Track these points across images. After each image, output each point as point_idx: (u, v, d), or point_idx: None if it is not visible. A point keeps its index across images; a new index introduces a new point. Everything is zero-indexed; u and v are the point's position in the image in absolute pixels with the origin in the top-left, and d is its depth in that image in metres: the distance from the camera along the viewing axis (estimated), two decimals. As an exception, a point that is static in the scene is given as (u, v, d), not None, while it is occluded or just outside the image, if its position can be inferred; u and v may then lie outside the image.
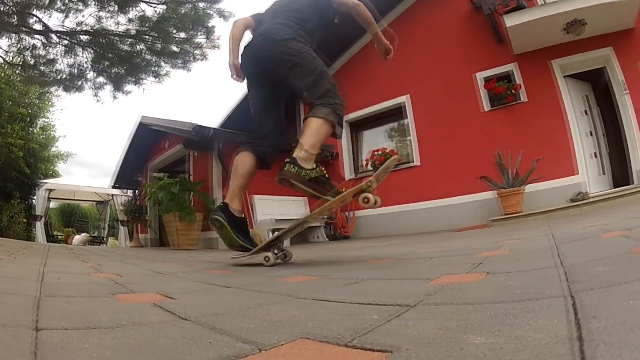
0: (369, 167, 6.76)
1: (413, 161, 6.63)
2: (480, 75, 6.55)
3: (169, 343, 0.65)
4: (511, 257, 1.55)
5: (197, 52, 7.22)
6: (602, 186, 6.57)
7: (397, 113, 6.77)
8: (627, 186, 6.43)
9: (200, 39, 7.24)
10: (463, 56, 6.67)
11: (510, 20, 5.98)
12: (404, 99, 6.77)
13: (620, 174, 6.89)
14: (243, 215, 2.28)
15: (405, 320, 0.72)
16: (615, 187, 6.76)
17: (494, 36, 6.49)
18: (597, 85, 7.11)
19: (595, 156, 6.61)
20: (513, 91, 6.38)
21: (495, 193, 5.96)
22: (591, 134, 6.66)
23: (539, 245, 1.85)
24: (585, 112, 6.74)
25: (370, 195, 2.04)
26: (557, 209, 5.64)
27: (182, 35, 7.24)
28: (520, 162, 5.91)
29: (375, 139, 7.03)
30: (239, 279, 1.64)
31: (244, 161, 2.26)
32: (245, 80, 2.38)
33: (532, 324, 0.59)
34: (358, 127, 7.11)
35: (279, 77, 2.20)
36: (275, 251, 2.16)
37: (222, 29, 8.40)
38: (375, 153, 6.70)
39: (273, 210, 6.46)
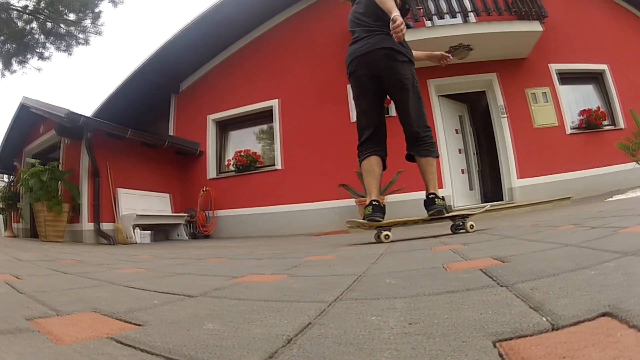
0: (231, 168, 6.66)
1: (276, 165, 6.55)
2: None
3: (4, 306, 0.94)
4: (329, 263, 1.58)
5: (81, 36, 7.12)
6: (470, 200, 6.74)
7: (266, 116, 6.73)
8: (498, 202, 6.67)
9: (87, 22, 7.17)
10: (340, 66, 6.75)
11: None
12: (274, 102, 6.75)
13: (493, 191, 7.14)
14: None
15: (174, 306, 0.86)
16: (485, 202, 6.99)
17: (373, 50, 6.69)
18: (477, 107, 7.45)
19: (464, 172, 6.83)
20: (385, 105, 6.50)
21: (355, 200, 6.01)
22: (461, 152, 6.90)
23: (368, 253, 1.85)
24: (457, 130, 7.00)
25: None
26: (419, 219, 5.71)
27: (72, 17, 7.15)
28: (384, 173, 6.00)
29: (243, 140, 6.94)
30: (81, 269, 1.89)
31: (376, 162, 2.58)
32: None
33: (264, 321, 0.66)
34: (226, 126, 7.00)
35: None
36: (387, 234, 2.41)
37: (108, 15, 8.39)
38: (239, 154, 6.60)
39: (136, 204, 6.23)
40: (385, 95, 2.62)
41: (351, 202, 5.99)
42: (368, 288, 0.92)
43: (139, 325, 0.68)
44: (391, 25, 2.23)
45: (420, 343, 0.49)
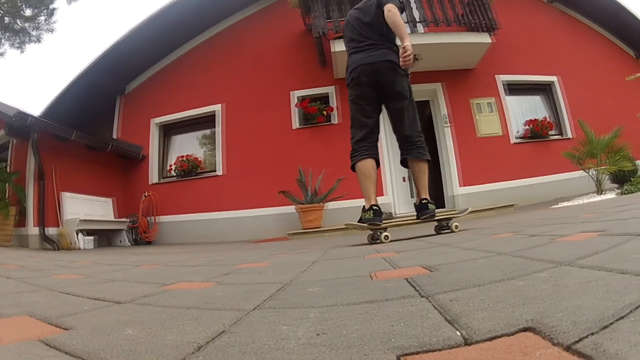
0: (173, 173, 6.59)
1: (217, 170, 6.49)
2: (297, 94, 6.61)
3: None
4: (260, 271, 1.59)
5: (34, 32, 7.06)
6: (411, 208, 6.73)
7: (209, 121, 6.67)
8: (440, 209, 6.73)
9: (41, 19, 7.09)
10: (285, 73, 6.76)
11: (338, 46, 6.12)
12: (218, 107, 6.69)
13: (435, 198, 7.17)
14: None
15: (101, 312, 0.89)
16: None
17: (319, 58, 6.69)
18: (421, 116, 7.49)
19: (405, 180, 6.87)
20: (325, 112, 6.48)
21: (295, 207, 6.02)
22: None
23: (300, 261, 1.86)
24: None
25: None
26: (358, 227, 5.75)
27: (29, 12, 7.08)
28: (324, 180, 6.01)
29: (186, 145, 6.86)
30: (23, 274, 1.98)
31: (372, 166, 2.64)
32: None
33: (180, 329, 0.68)
34: (170, 130, 6.92)
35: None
36: (387, 234, 2.52)
37: (63, 13, 8.33)
38: (181, 159, 6.54)
39: (80, 209, 6.14)
40: (382, 102, 2.74)
41: (291, 209, 5.99)
42: (289, 297, 0.93)
43: (66, 329, 0.73)
44: (401, 53, 2.51)
45: (321, 354, 0.49)
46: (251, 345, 0.55)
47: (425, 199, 2.69)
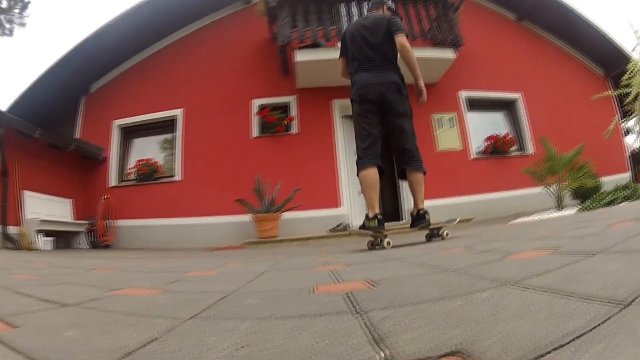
0: (132, 177, 6.56)
1: (176, 176, 6.46)
2: (257, 102, 6.62)
3: None
4: (208, 279, 1.62)
5: (7, 25, 6.97)
6: None
7: (170, 125, 6.63)
8: (397, 222, 6.84)
9: (16, 11, 7.00)
10: (247, 81, 6.75)
11: (301, 56, 6.14)
12: (178, 112, 6.65)
13: (392, 211, 7.30)
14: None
15: (49, 313, 0.94)
16: (385, 221, 7.15)
17: (282, 68, 6.70)
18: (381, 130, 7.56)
19: (360, 194, 6.95)
20: (285, 122, 6.50)
21: (251, 217, 6.06)
22: None
23: (250, 271, 1.88)
24: None
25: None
26: (315, 237, 5.75)
27: (5, 3, 6.97)
28: (281, 190, 6.05)
29: (146, 149, 6.81)
30: None
31: (375, 175, 2.79)
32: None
33: (117, 334, 0.71)
34: (130, 133, 6.87)
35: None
36: (389, 240, 2.73)
37: (36, 5, 8.22)
38: (140, 163, 6.49)
39: (40, 208, 6.10)
40: (384, 117, 2.95)
41: (247, 217, 6.01)
42: (227, 307, 0.94)
43: (15, 327, 0.78)
44: (418, 94, 2.97)
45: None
46: (177, 354, 0.57)
47: (422, 209, 2.92)
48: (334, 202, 6.43)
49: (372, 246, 2.78)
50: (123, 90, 7.00)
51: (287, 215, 6.05)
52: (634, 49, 7.11)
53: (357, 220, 6.62)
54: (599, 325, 0.52)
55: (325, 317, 0.75)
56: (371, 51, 2.91)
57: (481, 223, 5.75)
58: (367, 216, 2.77)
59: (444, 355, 0.47)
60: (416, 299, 0.82)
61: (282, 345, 0.58)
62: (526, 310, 0.64)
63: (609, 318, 0.55)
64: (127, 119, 6.76)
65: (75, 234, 6.38)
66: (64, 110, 7.08)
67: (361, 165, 2.84)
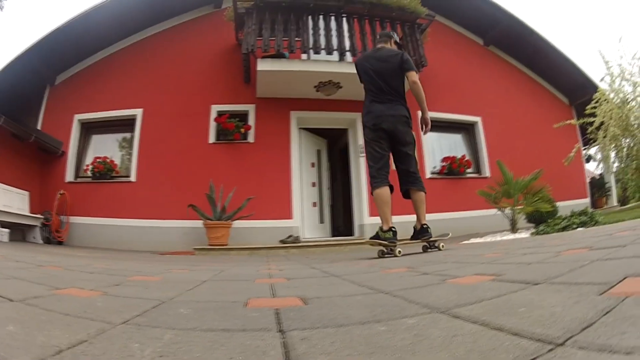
0: (88, 174, 6.62)
1: (131, 176, 6.52)
2: (217, 108, 6.67)
3: None
4: (149, 285, 1.62)
5: None
6: (319, 233, 7.06)
7: (130, 124, 6.67)
8: (347, 237, 7.04)
9: None
10: (209, 86, 6.80)
11: (263, 65, 6.17)
12: (138, 111, 6.66)
13: (345, 225, 7.52)
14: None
15: None
16: (336, 235, 7.36)
17: (244, 75, 6.75)
18: (337, 143, 7.70)
19: (315, 205, 7.14)
20: (242, 130, 6.59)
21: (203, 223, 6.17)
22: (314, 185, 7.17)
23: (192, 279, 1.91)
24: (313, 164, 7.23)
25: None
26: (264, 247, 5.84)
27: None
28: (234, 198, 6.16)
29: (105, 146, 6.85)
30: None
31: (387, 193, 3.24)
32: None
33: (51, 332, 0.73)
34: (90, 129, 6.89)
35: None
36: (400, 250, 3.18)
37: None
38: (97, 160, 6.54)
39: None
40: (392, 144, 3.41)
41: (200, 223, 6.14)
42: (158, 315, 0.96)
43: None
44: (422, 122, 3.51)
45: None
46: (100, 357, 0.61)
47: (425, 223, 3.36)
48: (286, 213, 6.58)
49: (382, 255, 3.18)
50: (87, 85, 6.97)
51: (238, 223, 6.18)
52: (602, 79, 7.24)
53: (307, 233, 6.80)
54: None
55: (248, 333, 0.76)
56: (385, 85, 3.36)
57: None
58: (381, 229, 3.19)
59: None
60: (342, 321, 0.82)
61: (198, 358, 0.61)
62: (448, 342, 0.62)
63: (535, 359, 0.50)
64: (88, 114, 6.75)
65: (30, 227, 6.45)
66: (29, 100, 7.05)
67: (375, 184, 3.28)
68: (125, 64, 7.04)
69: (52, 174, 6.68)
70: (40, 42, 6.62)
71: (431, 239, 3.40)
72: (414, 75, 3.36)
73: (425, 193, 3.39)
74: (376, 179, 3.28)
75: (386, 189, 3.24)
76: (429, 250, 3.42)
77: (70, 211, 6.40)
